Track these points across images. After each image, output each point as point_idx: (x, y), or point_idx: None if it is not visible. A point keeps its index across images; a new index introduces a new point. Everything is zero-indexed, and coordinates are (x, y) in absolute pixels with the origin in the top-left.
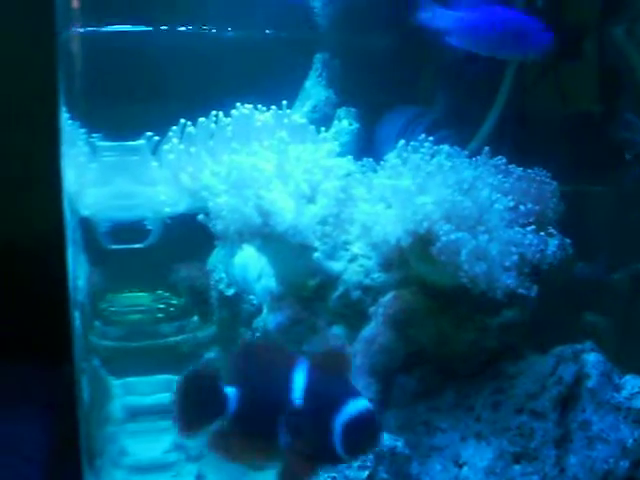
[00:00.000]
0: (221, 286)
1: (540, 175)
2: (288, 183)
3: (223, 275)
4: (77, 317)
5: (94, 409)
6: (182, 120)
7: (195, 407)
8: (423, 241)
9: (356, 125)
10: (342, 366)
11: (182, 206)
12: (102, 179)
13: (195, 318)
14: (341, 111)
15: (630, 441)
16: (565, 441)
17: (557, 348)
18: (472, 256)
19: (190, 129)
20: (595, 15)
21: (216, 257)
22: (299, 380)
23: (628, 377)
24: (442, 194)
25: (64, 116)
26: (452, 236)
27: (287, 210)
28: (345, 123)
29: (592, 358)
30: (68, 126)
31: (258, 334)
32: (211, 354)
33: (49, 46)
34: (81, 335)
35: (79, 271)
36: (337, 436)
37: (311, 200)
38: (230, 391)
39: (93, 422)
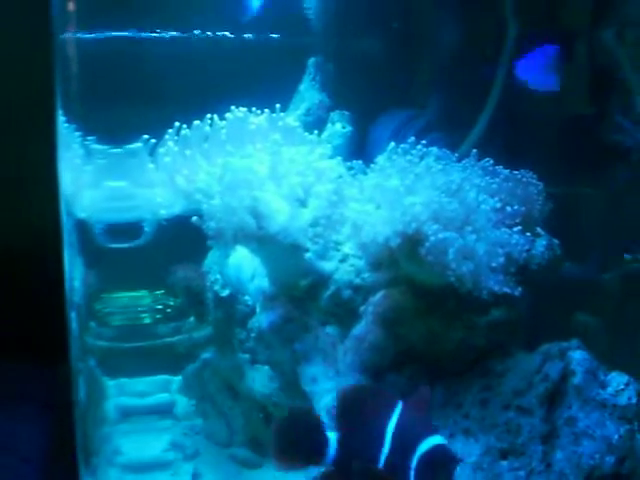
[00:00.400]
0: (216, 287)
1: (526, 176)
2: (281, 185)
3: (218, 276)
4: (73, 318)
5: (90, 409)
6: (177, 123)
7: (296, 446)
8: (412, 241)
9: (349, 128)
10: (425, 407)
11: (177, 208)
12: (98, 181)
13: (191, 319)
14: (334, 114)
15: (616, 437)
16: (552, 437)
17: (544, 346)
18: (459, 255)
19: (185, 132)
20: (586, 18)
21: (211, 258)
22: (391, 426)
23: (613, 374)
24: (430, 195)
25: (60, 119)
26: (440, 235)
27: (280, 212)
28: (338, 126)
29: (577, 355)
30: (64, 129)
31: (253, 334)
32: (207, 354)
33: (46, 48)
34: (77, 336)
35: (75, 272)
36: (412, 474)
37: (303, 202)
38: (331, 435)
39: (89, 421)
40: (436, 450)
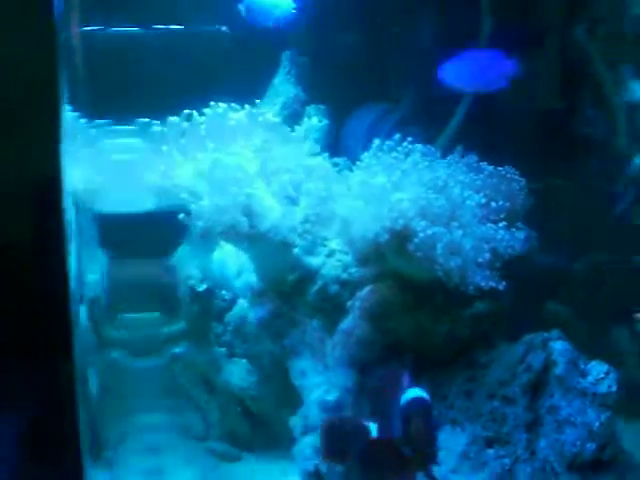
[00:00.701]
0: (191, 282)
1: (510, 172)
2: (271, 183)
3: (194, 271)
4: (83, 312)
5: (107, 401)
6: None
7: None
8: (400, 237)
9: (325, 122)
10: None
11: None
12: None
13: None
14: (310, 108)
15: (596, 424)
16: (535, 425)
17: (526, 337)
18: (447, 250)
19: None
20: (558, 15)
21: (181, 253)
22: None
23: (593, 363)
24: (417, 192)
25: (72, 114)
26: (429, 231)
27: (271, 210)
28: (315, 120)
29: (559, 346)
30: (79, 126)
31: (230, 328)
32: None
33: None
34: (90, 330)
35: (91, 266)
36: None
37: (294, 200)
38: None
39: (106, 414)
40: (411, 402)
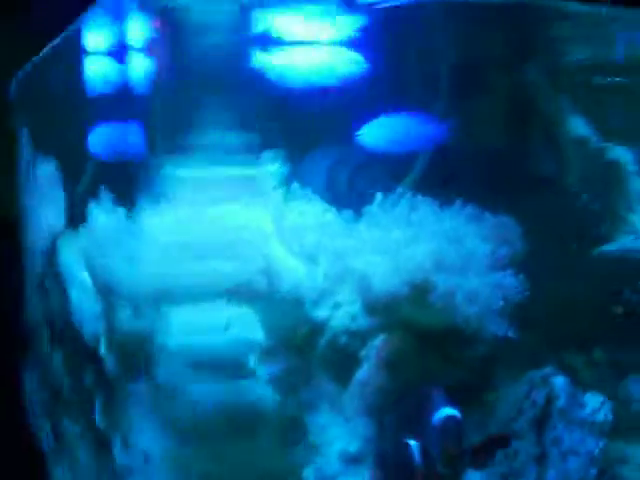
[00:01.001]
0: None
1: (510, 220)
2: (288, 242)
3: None
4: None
5: None
6: None
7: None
8: (419, 289)
9: (285, 168)
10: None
11: None
12: None
13: None
14: (267, 154)
15: (596, 451)
16: (543, 457)
17: (528, 374)
18: (466, 299)
19: None
20: (507, 52)
21: None
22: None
23: (589, 395)
24: (431, 244)
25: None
26: (448, 283)
27: (291, 270)
28: (275, 167)
29: (559, 380)
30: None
31: None
32: None
33: None
34: None
35: None
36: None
37: (312, 257)
38: (413, 444)
39: None
40: (443, 421)
